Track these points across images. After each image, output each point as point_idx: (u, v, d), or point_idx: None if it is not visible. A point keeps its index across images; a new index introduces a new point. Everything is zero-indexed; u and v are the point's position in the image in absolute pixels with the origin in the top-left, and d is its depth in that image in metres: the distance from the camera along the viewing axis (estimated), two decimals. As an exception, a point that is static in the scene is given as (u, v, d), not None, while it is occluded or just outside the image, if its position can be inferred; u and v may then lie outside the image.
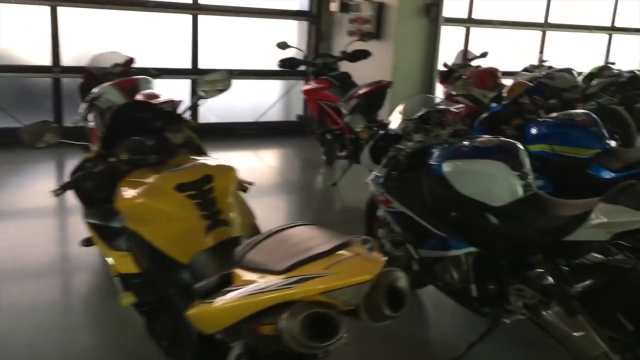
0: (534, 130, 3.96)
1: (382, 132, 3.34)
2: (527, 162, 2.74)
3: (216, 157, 2.41)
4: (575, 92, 7.63)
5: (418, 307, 3.50)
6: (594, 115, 3.88)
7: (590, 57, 10.19)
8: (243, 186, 2.35)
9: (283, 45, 5.90)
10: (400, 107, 3.26)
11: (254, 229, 2.20)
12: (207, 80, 2.56)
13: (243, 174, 2.34)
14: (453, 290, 2.95)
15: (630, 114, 7.18)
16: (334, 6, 7.55)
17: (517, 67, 8.70)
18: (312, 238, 1.45)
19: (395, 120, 3.21)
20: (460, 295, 2.91)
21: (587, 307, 2.34)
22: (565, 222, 2.37)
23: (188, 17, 7.44)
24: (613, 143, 7.11)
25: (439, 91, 8.18)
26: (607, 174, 3.56)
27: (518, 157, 2.72)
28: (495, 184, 2.67)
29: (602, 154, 3.67)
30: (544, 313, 2.49)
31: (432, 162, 2.89)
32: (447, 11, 8.72)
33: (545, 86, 7.88)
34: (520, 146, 2.79)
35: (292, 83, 8.23)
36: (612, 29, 10.54)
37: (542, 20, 9.78)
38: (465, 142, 2.90)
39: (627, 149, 3.77)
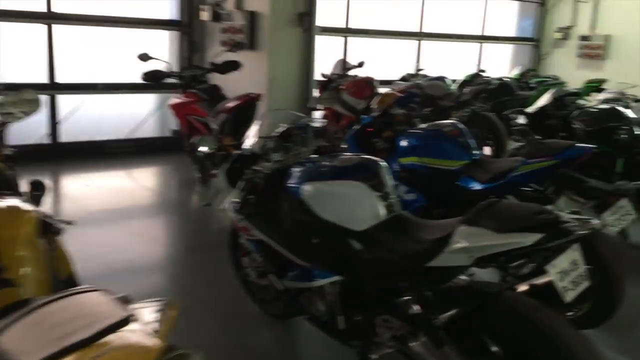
0: (404, 143, 3.85)
1: (238, 152, 3.05)
2: (389, 180, 2.55)
3: (18, 194, 1.99)
4: (449, 99, 7.81)
5: (289, 340, 3.24)
6: (461, 126, 3.82)
7: (465, 65, 10.55)
8: (55, 228, 1.95)
9: (144, 57, 5.46)
10: (256, 125, 2.99)
11: (68, 282, 1.82)
12: (9, 102, 2.14)
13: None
14: (320, 322, 2.71)
15: (501, 119, 7.39)
16: (205, 15, 7.20)
17: (395, 76, 8.78)
18: (80, 315, 1.11)
19: (250, 139, 2.93)
20: (329, 328, 2.67)
21: (454, 336, 2.18)
22: (427, 247, 2.20)
23: (43, 27, 6.79)
24: (488, 150, 7.50)
25: (319, 102, 8.05)
26: (476, 186, 3.50)
27: (379, 176, 2.53)
28: (356, 206, 2.46)
29: (470, 165, 3.61)
30: (411, 345, 2.30)
31: (291, 184, 2.64)
32: (325, 21, 8.66)
33: (421, 95, 8.04)
34: (382, 164, 2.61)
35: (165, 96, 7.76)
36: (483, 38, 10.99)
37: (417, 30, 9.97)
38: (326, 162, 2.68)
39: (494, 159, 3.74)
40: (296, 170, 2.69)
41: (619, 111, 5.04)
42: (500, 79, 8.75)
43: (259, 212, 2.79)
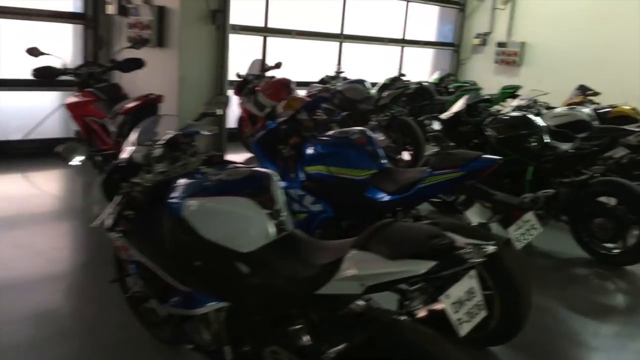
0: (310, 150, 3.63)
1: (115, 161, 2.73)
2: (280, 196, 2.32)
3: None
4: (369, 103, 7.70)
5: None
6: (369, 134, 3.65)
7: (387, 68, 10.52)
8: None
9: (34, 52, 4.98)
10: (135, 131, 2.68)
11: None
12: None
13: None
14: (207, 352, 2.44)
15: (420, 124, 7.35)
16: (111, 9, 6.74)
17: (315, 78, 8.60)
18: None
19: (128, 147, 2.62)
20: (216, 359, 2.41)
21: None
22: (317, 273, 1.98)
23: None
24: (407, 155, 7.44)
25: (234, 102, 7.75)
26: (383, 197, 3.33)
27: (269, 191, 2.29)
28: (242, 225, 2.21)
29: (377, 175, 3.43)
30: (301, 380, 2.07)
31: (172, 200, 2.35)
32: (242, 19, 8.36)
33: (340, 98, 7.89)
34: (274, 177, 2.37)
35: (68, 95, 7.22)
36: (404, 42, 11.01)
37: (338, 32, 9.84)
38: (212, 175, 2.41)
39: (402, 169, 3.58)
40: (180, 184, 2.41)
41: (529, 119, 5.04)
42: (419, 83, 8.76)
43: (137, 230, 2.49)
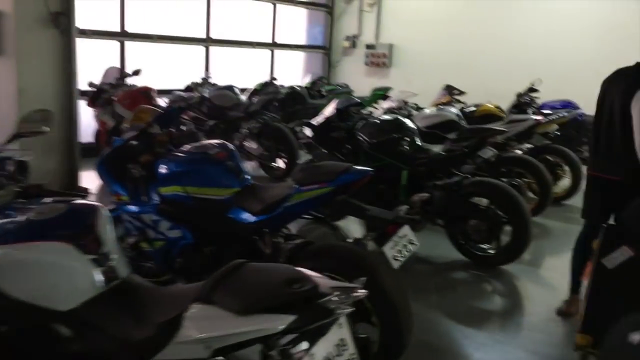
0: (164, 169, 3.18)
1: None
2: (109, 235, 1.88)
3: None
4: (239, 110, 7.31)
5: None
6: (230, 147, 3.27)
7: (259, 73, 10.19)
8: None
9: None
10: None
11: None
12: None
13: None
14: None
15: (293, 130, 7.08)
16: None
17: (181, 85, 8.08)
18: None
19: None
20: None
21: None
22: (154, 333, 1.58)
23: None
24: (281, 162, 7.13)
25: (88, 114, 7.05)
26: (249, 218, 2.96)
27: (94, 230, 1.85)
28: (58, 278, 1.75)
29: (241, 194, 3.07)
30: None
31: (-34, 249, 1.83)
32: (96, 23, 7.65)
33: (209, 106, 7.44)
34: (101, 211, 1.92)
35: None
36: (273, 45, 10.74)
37: (204, 36, 9.35)
38: (21, 214, 1.92)
39: (268, 185, 3.22)
40: (-21, 227, 1.89)
41: (401, 122, 4.93)
42: (291, 87, 8.52)
43: None
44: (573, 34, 9.03)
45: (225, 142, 3.32)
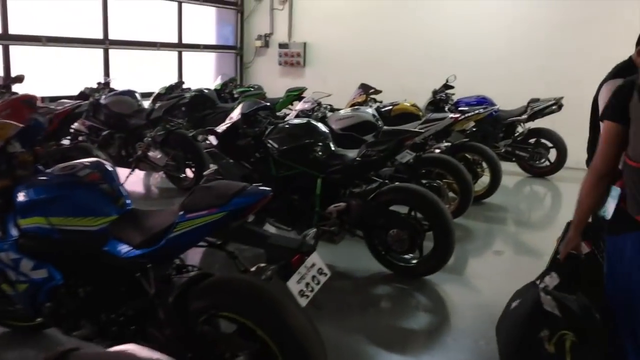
0: (23, 197, 2.63)
1: None
2: None
3: None
4: (140, 117, 6.71)
5: None
6: (105, 166, 2.75)
7: (167, 76, 9.57)
8: None
9: None
10: None
11: None
12: None
13: None
14: None
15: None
16: None
17: (75, 91, 7.36)
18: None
19: None
20: None
21: None
22: None
23: None
24: (190, 173, 6.59)
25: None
26: (128, 251, 2.47)
27: None
28: None
29: (119, 222, 2.57)
30: None
31: None
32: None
33: (107, 114, 6.78)
34: None
35: None
36: (181, 46, 10.12)
37: (101, 37, 8.63)
38: None
39: (151, 211, 2.71)
40: None
41: (313, 125, 4.55)
42: (199, 90, 7.96)
43: None
44: (486, 32, 9.03)
45: (100, 160, 2.81)
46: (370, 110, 5.94)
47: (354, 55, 10.10)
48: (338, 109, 6.35)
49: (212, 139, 4.67)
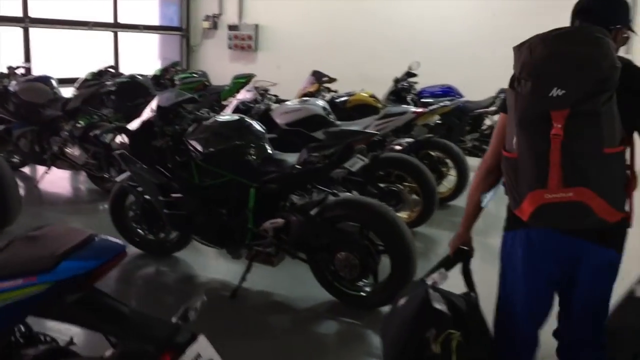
0: None
1: None
2: None
3: None
4: (55, 107, 5.79)
5: None
6: None
7: (101, 60, 8.57)
8: None
9: None
10: None
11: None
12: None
13: None
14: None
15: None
16: None
17: (-17, 77, 6.35)
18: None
19: None
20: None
21: None
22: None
23: None
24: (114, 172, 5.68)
25: None
26: None
27: None
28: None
29: None
30: None
31: None
32: None
33: (17, 103, 5.85)
34: None
35: None
36: (116, 26, 9.11)
37: (20, 14, 7.58)
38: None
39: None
40: None
41: (246, 123, 3.75)
42: (131, 76, 7.02)
43: None
44: (450, 16, 8.33)
45: None
46: (320, 102, 5.15)
47: (310, 40, 9.29)
48: (285, 100, 5.54)
49: (123, 139, 3.83)
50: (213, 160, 3.56)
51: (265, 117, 5.05)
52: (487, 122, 7.14)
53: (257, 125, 3.73)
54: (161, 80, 7.96)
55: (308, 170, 3.35)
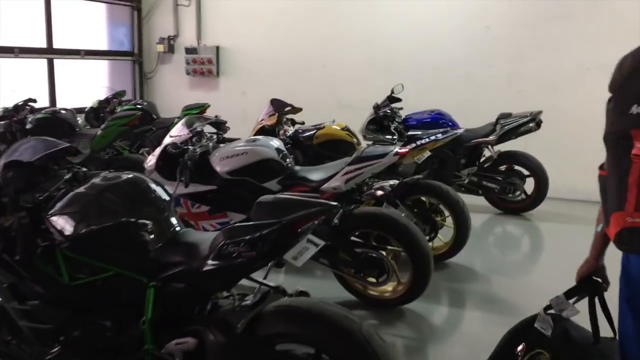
0: None
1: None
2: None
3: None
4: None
5: None
6: None
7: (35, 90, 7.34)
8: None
9: None
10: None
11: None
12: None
13: None
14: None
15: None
16: None
17: None
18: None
19: None
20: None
21: None
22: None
23: None
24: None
25: None
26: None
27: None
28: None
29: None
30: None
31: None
32: None
33: None
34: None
35: None
36: (50, 52, 7.85)
37: None
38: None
39: None
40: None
41: (143, 188, 2.49)
42: (54, 111, 5.80)
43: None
44: (438, 30, 7.19)
45: None
46: (275, 142, 3.92)
47: (279, 62, 8.14)
48: (233, 139, 4.30)
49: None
50: (87, 246, 2.30)
51: (201, 163, 3.83)
52: (487, 152, 5.99)
53: (157, 188, 2.47)
54: (101, 113, 6.75)
55: (222, 269, 2.09)
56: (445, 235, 4.59)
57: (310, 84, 7.82)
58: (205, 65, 8.56)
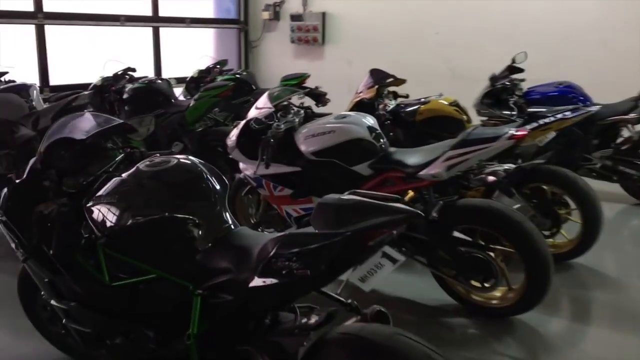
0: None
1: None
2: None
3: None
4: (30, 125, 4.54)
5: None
6: None
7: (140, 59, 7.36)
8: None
9: None
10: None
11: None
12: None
13: None
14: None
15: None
16: None
17: None
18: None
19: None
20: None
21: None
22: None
23: None
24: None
25: None
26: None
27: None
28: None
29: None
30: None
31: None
32: None
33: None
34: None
35: None
36: (155, 20, 7.81)
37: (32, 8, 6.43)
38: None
39: None
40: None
41: (198, 175, 2.11)
42: (150, 80, 5.65)
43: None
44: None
45: None
46: (367, 120, 3.41)
47: (388, 29, 7.57)
48: (323, 114, 3.84)
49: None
50: (124, 243, 1.97)
51: (286, 141, 3.43)
52: (625, 133, 5.11)
53: (213, 179, 2.07)
54: (201, 83, 6.57)
55: (270, 287, 1.65)
56: (569, 230, 3.87)
57: (421, 53, 7.20)
58: (311, 33, 8.15)
